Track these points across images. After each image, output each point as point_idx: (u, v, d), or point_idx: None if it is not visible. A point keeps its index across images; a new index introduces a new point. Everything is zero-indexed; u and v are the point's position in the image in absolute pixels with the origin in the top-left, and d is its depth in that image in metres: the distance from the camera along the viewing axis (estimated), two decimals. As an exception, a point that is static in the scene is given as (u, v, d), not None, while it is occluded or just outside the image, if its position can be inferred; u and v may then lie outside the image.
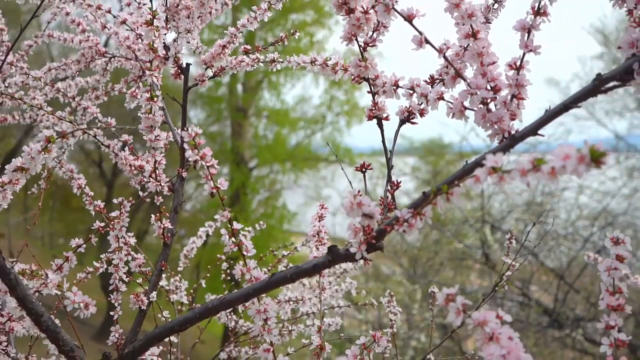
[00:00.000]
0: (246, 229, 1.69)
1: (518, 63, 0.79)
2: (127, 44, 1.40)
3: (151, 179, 1.21)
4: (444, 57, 0.84)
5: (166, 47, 1.30)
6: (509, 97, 0.79)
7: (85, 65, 1.66)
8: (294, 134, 10.93)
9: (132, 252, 1.21)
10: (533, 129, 0.75)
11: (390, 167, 0.94)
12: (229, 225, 0.88)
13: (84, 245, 1.18)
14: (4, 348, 1.17)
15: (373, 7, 0.83)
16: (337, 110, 10.90)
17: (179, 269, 1.85)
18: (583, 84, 0.77)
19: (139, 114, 1.15)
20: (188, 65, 1.36)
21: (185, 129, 0.83)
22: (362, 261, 0.78)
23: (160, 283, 1.44)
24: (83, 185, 1.37)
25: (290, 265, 1.76)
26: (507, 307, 6.17)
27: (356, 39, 0.88)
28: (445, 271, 7.74)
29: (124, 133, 1.35)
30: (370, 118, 0.95)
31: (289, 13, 9.95)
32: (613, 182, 7.44)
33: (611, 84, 0.71)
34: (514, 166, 0.57)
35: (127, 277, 1.19)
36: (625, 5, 0.72)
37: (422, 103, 0.91)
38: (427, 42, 0.83)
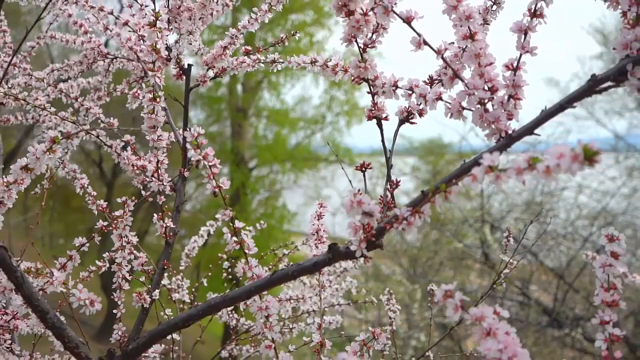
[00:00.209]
0: (247, 228, 1.70)
1: (515, 64, 0.80)
2: (129, 45, 1.41)
3: (154, 179, 1.23)
4: (442, 58, 0.86)
5: (168, 49, 1.32)
6: (506, 97, 0.81)
7: (88, 66, 1.68)
8: (294, 134, 10.95)
9: (135, 251, 1.23)
10: (529, 129, 0.76)
11: (389, 167, 0.95)
12: (231, 224, 0.90)
13: (87, 244, 1.19)
14: (9, 346, 1.19)
15: (372, 9, 0.84)
16: (337, 110, 10.91)
17: (181, 267, 1.87)
18: (582, 83, 0.78)
19: (141, 114, 1.17)
20: (190, 66, 1.37)
21: (187, 129, 0.84)
22: (362, 259, 0.79)
23: (162, 282, 1.45)
24: (86, 185, 1.38)
25: (291, 264, 1.77)
26: (507, 307, 6.19)
27: (356, 41, 0.89)
28: (445, 271, 7.76)
29: (126, 133, 1.37)
30: (370, 118, 0.96)
31: (289, 13, 9.96)
32: (612, 182, 7.46)
33: (606, 85, 0.72)
34: (510, 165, 0.58)
35: (129, 276, 1.20)
36: (619, 7, 0.74)
37: (421, 103, 0.93)
38: (426, 43, 0.84)
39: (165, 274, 1.46)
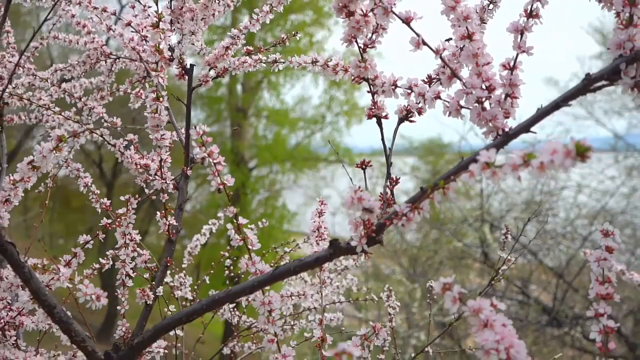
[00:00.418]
0: (249, 226, 1.72)
1: (511, 63, 0.82)
2: (132, 46, 1.43)
3: (157, 177, 1.24)
4: (441, 57, 0.88)
5: (171, 49, 1.33)
6: (503, 96, 0.83)
7: (91, 67, 1.69)
8: (294, 134, 10.97)
9: (138, 249, 1.24)
10: (526, 126, 0.78)
11: (389, 164, 0.97)
12: (235, 221, 0.92)
13: (92, 242, 1.21)
14: (14, 342, 1.21)
15: (372, 10, 0.86)
16: (337, 110, 10.93)
17: (183, 265, 1.89)
18: (581, 83, 0.80)
19: (145, 114, 1.18)
20: (192, 66, 1.39)
21: (193, 127, 0.86)
22: (362, 255, 0.81)
23: (165, 279, 1.47)
24: (89, 184, 1.40)
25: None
26: (507, 306, 6.20)
27: (356, 41, 0.91)
28: (444, 270, 7.77)
29: (129, 132, 1.38)
30: (370, 117, 0.98)
31: (289, 13, 9.97)
32: (612, 181, 7.48)
33: (600, 84, 0.74)
34: (506, 161, 0.60)
35: (133, 273, 1.22)
36: (613, 7, 0.76)
37: (420, 102, 0.94)
38: (424, 43, 0.86)
39: (168, 272, 1.48)
